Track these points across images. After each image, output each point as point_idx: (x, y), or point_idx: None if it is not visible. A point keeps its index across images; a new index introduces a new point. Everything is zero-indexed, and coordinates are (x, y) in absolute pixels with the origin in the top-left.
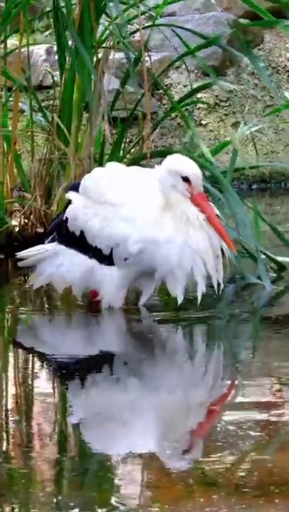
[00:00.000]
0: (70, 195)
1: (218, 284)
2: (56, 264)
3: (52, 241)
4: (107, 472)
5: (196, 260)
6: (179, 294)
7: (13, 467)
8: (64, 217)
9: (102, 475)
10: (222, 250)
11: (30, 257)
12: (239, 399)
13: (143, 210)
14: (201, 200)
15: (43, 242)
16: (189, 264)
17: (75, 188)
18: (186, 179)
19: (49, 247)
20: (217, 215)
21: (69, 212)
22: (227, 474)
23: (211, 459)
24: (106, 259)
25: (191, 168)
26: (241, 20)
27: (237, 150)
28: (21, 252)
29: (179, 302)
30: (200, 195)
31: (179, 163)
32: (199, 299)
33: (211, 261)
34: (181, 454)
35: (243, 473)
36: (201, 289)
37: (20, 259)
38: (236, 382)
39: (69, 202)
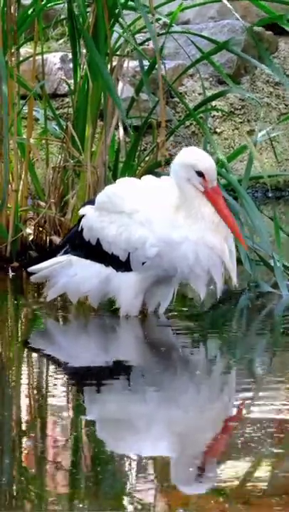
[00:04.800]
0: (85, 209)
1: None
2: (70, 274)
3: (64, 254)
4: (122, 481)
5: (214, 259)
6: (201, 292)
7: (28, 474)
8: (78, 229)
9: (117, 484)
10: (238, 259)
11: (43, 269)
12: (255, 412)
13: (157, 214)
14: (214, 194)
15: (54, 256)
16: (206, 261)
17: (89, 203)
18: (200, 173)
19: (62, 258)
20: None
21: (84, 223)
22: (244, 488)
23: (228, 472)
24: (123, 265)
25: (205, 161)
26: (255, 28)
27: (253, 158)
28: (33, 267)
29: (202, 299)
30: (214, 190)
31: (194, 156)
32: (219, 295)
33: (228, 260)
34: (199, 468)
35: (261, 488)
36: (220, 287)
37: (33, 273)
38: (252, 395)
39: (82, 217)
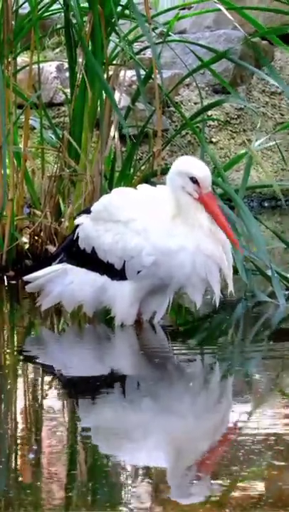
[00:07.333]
0: (80, 218)
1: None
2: (65, 283)
3: (59, 263)
4: (117, 491)
5: (211, 266)
6: (197, 300)
7: (23, 484)
8: (74, 237)
9: (113, 494)
10: (234, 268)
11: (38, 279)
12: (252, 423)
13: (154, 223)
14: (208, 199)
15: (49, 265)
16: (204, 269)
17: (85, 212)
18: (194, 180)
19: (57, 267)
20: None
21: (79, 231)
22: (242, 500)
23: (225, 483)
24: (118, 274)
25: (199, 168)
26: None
27: (250, 167)
28: (28, 276)
29: (198, 308)
30: (208, 195)
31: (188, 164)
32: (217, 304)
33: (226, 267)
34: (196, 478)
35: (260, 500)
36: (218, 295)
37: (28, 282)
38: (249, 406)
39: (77, 226)
